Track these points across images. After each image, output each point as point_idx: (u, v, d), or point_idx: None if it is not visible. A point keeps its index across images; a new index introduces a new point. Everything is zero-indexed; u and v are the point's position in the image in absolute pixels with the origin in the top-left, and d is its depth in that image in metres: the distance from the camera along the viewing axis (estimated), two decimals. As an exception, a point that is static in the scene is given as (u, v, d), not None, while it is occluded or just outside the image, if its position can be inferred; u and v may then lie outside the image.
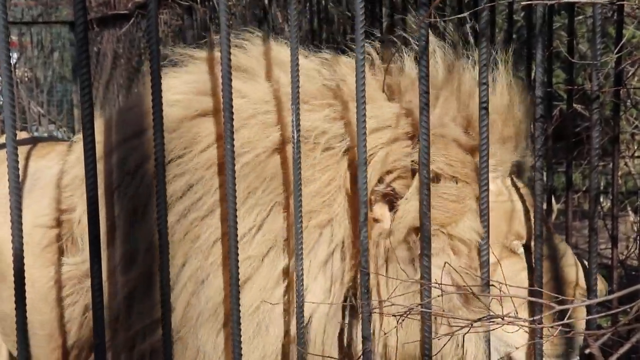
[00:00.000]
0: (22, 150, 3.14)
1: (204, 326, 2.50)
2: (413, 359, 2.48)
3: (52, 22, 12.36)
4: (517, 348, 2.44)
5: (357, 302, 2.47)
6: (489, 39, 2.44)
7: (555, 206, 2.89)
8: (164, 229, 2.26)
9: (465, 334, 2.14)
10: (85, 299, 2.75)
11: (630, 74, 5.00)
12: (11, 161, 2.15)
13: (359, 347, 2.47)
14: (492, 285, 2.30)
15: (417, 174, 2.43)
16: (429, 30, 2.36)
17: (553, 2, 2.57)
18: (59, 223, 2.87)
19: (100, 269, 2.22)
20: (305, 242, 2.45)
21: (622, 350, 1.85)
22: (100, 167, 2.64)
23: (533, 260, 2.52)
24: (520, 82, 2.65)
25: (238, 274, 2.33)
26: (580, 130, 4.35)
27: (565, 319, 1.91)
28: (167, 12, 8.42)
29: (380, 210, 2.53)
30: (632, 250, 4.26)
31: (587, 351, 2.02)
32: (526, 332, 2.48)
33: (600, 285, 2.61)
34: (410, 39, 2.67)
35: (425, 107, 2.33)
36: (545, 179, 3.11)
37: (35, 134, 11.45)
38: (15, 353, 2.86)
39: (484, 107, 2.40)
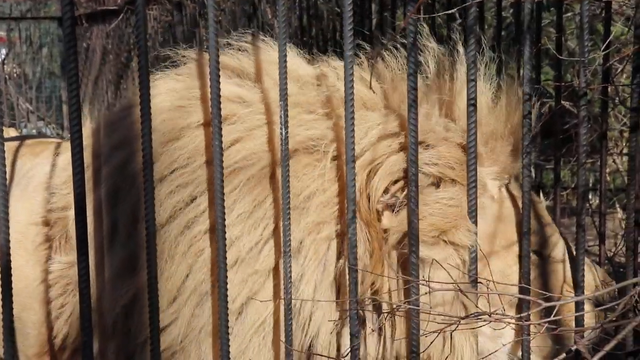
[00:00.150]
0: (16, 149, 3.14)
1: (207, 338, 2.48)
2: None
3: (41, 18, 12.31)
4: (503, 345, 2.44)
5: (365, 316, 2.47)
6: (477, 35, 2.44)
7: (544, 203, 2.89)
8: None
9: (453, 331, 2.14)
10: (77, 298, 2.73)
11: (618, 70, 5.01)
12: (-1, 157, 2.15)
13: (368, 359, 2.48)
14: (480, 282, 2.30)
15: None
16: (417, 27, 2.36)
17: (541, -1, 2.57)
18: (54, 221, 2.83)
19: (88, 266, 2.21)
20: (315, 255, 2.44)
21: (608, 347, 1.86)
22: (105, 169, 2.62)
23: (527, 258, 2.53)
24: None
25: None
26: (568, 127, 4.35)
27: (552, 316, 1.92)
28: (157, 8, 8.40)
29: (388, 220, 2.51)
30: (620, 247, 4.27)
31: (573, 348, 2.03)
32: (513, 329, 2.49)
33: (591, 281, 2.62)
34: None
35: (413, 103, 2.33)
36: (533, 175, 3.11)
37: (24, 130, 11.41)
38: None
39: (471, 103, 2.40)
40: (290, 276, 2.37)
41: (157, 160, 2.49)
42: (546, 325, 1.98)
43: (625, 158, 5.88)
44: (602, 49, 2.77)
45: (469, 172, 2.43)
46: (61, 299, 2.78)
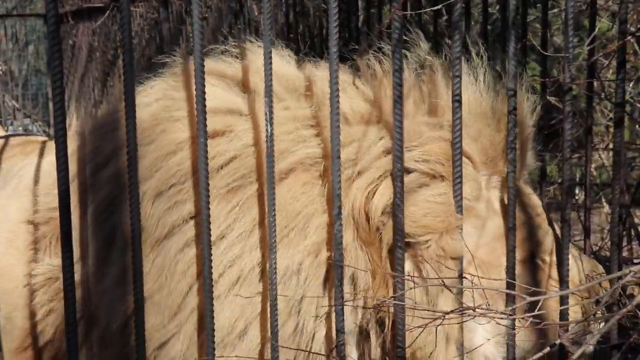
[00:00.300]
0: (6, 148, 3.12)
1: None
2: None
3: (27, 15, 12.26)
4: (488, 340, 2.45)
5: (371, 331, 2.47)
6: (462, 31, 2.45)
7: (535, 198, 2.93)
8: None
9: (438, 325, 2.14)
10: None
11: (605, 65, 5.03)
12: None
13: None
14: (465, 277, 2.31)
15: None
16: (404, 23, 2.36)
17: (526, -6, 2.58)
18: (45, 220, 2.78)
19: (72, 264, 2.19)
20: (315, 276, 2.43)
21: (592, 341, 1.87)
22: (102, 175, 2.59)
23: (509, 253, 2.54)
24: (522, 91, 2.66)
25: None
26: (555, 123, 4.37)
27: (536, 310, 1.93)
28: (143, 5, 8.38)
29: (389, 237, 2.48)
30: (606, 241, 4.29)
31: (557, 342, 2.04)
32: (498, 324, 2.49)
33: (576, 274, 2.63)
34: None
35: (398, 99, 2.34)
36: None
37: (10, 128, 11.36)
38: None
39: (456, 99, 2.41)
40: (276, 272, 2.37)
41: (154, 174, 2.47)
42: (530, 319, 1.99)
43: (611, 153, 5.91)
44: (586, 44, 2.78)
45: (454, 167, 2.44)
46: (51, 304, 2.74)
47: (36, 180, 2.87)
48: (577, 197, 5.76)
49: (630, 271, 2.07)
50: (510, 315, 2.20)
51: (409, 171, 2.46)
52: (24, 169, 3.00)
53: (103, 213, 2.57)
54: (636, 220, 4.39)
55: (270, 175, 2.35)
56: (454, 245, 2.46)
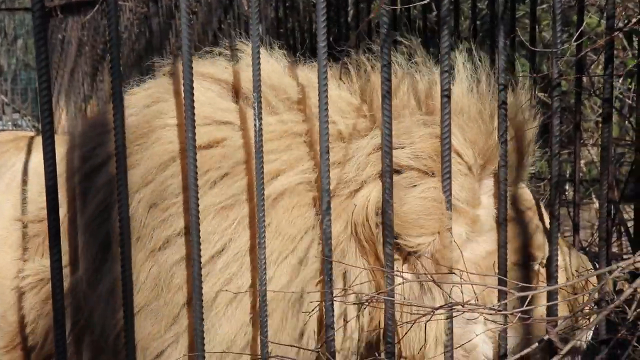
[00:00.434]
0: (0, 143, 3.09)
1: None
2: None
3: (15, 9, 12.20)
4: (476, 335, 2.45)
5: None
6: (451, 26, 2.44)
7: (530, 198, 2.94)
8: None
9: (427, 321, 2.14)
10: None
11: (594, 61, 5.04)
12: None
13: None
14: (453, 272, 2.31)
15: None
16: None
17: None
18: (39, 220, 2.74)
19: (61, 263, 2.17)
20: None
21: (580, 337, 1.87)
22: (100, 179, 2.57)
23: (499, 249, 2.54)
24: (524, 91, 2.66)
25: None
26: (543, 118, 4.38)
27: (524, 305, 1.93)
28: (132, 0, 8.34)
29: None
30: (595, 237, 4.30)
31: (545, 337, 2.04)
32: (487, 319, 2.49)
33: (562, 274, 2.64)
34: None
35: (387, 94, 2.33)
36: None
37: (-1, 123, 11.32)
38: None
39: (445, 94, 2.40)
40: (265, 266, 2.36)
41: (149, 184, 2.44)
42: (519, 315, 1.99)
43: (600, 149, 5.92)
44: (574, 40, 2.78)
45: (443, 163, 2.43)
46: (42, 305, 2.72)
47: (24, 180, 2.85)
48: (566, 193, 5.77)
49: (618, 267, 2.07)
50: (499, 311, 2.20)
51: (400, 172, 2.47)
52: (17, 164, 2.98)
53: (97, 219, 2.54)
54: (625, 216, 4.40)
55: (259, 171, 2.34)
56: (449, 255, 2.46)
